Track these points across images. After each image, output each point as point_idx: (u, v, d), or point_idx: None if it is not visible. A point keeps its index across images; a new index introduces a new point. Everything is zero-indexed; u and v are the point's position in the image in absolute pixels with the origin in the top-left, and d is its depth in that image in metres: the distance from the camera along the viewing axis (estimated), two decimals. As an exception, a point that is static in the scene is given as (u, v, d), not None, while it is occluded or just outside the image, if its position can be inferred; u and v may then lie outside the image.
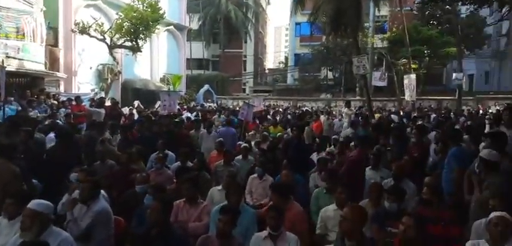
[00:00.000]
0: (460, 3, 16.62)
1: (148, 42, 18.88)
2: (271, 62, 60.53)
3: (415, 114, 14.57)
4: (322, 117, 13.42)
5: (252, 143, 8.31)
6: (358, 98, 24.57)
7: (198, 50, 35.70)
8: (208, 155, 7.50)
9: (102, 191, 4.32)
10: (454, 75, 21.10)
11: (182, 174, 5.05)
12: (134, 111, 13.77)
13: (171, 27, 25.15)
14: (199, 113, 13.76)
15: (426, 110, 18.65)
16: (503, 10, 10.94)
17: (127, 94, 19.85)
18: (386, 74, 23.79)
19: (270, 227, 3.45)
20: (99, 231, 3.77)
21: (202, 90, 24.99)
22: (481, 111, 16.07)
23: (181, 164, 6.06)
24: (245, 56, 41.53)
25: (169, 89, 20.88)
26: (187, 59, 29.96)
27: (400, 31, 24.59)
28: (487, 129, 7.57)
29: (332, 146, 9.15)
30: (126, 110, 13.92)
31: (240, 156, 7.10)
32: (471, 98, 22.79)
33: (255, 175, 5.78)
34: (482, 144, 5.59)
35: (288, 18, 39.31)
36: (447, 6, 25.19)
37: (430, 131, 8.64)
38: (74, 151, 5.85)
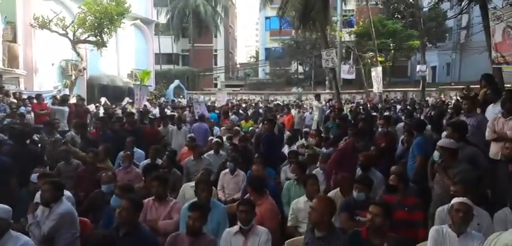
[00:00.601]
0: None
1: (114, 37, 18.21)
2: (242, 56, 60.41)
3: (382, 106, 15.00)
4: (293, 111, 13.57)
5: (224, 137, 8.27)
6: (327, 91, 25.02)
7: (167, 44, 34.97)
8: (179, 151, 7.38)
9: (67, 192, 4.17)
10: (417, 67, 21.93)
11: (151, 172, 4.93)
12: (101, 108, 13.32)
13: (138, 21, 24.45)
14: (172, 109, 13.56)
15: (392, 101, 19.28)
16: (463, 4, 11.46)
17: (93, 91, 19.17)
18: (354, 67, 24.39)
19: (241, 222, 3.44)
20: (63, 233, 3.64)
21: (172, 86, 24.55)
22: (449, 101, 16.73)
23: (150, 162, 5.92)
24: (216, 51, 41.10)
25: (138, 83, 20.34)
26: (156, 54, 29.30)
27: (366, 25, 25.26)
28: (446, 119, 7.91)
29: (303, 139, 9.29)
30: (92, 108, 13.46)
31: (211, 151, 7.04)
32: (434, 89, 23.81)
33: (227, 170, 5.75)
34: (444, 133, 5.83)
35: (258, 13, 39.29)
36: (410, 0, 26.14)
37: (398, 121, 8.94)
38: (29, 152, 5.54)
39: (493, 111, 5.31)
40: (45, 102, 10.80)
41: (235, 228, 3.51)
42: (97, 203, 4.48)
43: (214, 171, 5.98)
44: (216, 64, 40.79)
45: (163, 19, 35.27)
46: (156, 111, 13.02)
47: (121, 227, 3.26)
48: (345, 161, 5.16)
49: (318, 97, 14.60)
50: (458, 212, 3.01)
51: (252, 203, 3.62)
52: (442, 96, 20.61)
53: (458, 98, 13.43)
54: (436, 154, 4.08)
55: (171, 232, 3.57)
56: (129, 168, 5.68)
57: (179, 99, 20.88)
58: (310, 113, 13.30)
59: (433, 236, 3.11)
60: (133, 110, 11.75)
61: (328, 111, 12.75)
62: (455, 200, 3.11)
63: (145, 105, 13.14)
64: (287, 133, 9.40)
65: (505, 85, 7.60)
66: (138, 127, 8.30)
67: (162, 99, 21.05)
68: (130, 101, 15.00)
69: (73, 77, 16.54)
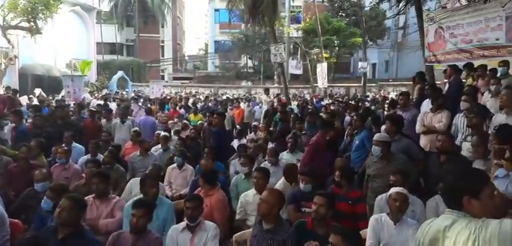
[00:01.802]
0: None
1: (51, 23, 16.82)
2: (191, 48, 59.16)
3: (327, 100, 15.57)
4: (243, 105, 13.61)
5: (172, 131, 8.06)
6: (276, 85, 25.44)
7: (110, 33, 33.07)
8: (123, 146, 7.04)
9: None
10: (359, 64, 23.13)
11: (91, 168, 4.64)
12: (35, 100, 12.29)
13: (77, 7, 22.84)
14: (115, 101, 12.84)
15: (336, 96, 20.11)
16: (400, 5, 12.23)
17: (26, 82, 17.66)
18: (301, 63, 25.02)
19: (188, 218, 3.36)
20: (-10, 237, 3.28)
21: (115, 77, 23.30)
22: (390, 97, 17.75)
23: (90, 157, 5.58)
24: (163, 41, 39.75)
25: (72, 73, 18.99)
26: (98, 43, 27.62)
27: (313, 22, 26.01)
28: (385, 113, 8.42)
29: (252, 133, 9.35)
30: (25, 99, 12.38)
31: (159, 146, 6.82)
32: (374, 84, 25.27)
33: (174, 165, 5.61)
34: (383, 127, 6.19)
35: (207, 4, 38.72)
36: (353, -1, 27.40)
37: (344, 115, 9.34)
38: None
39: (427, 106, 5.75)
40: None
41: (182, 224, 3.43)
42: (29, 202, 4.11)
43: (162, 167, 5.80)
44: (163, 55, 39.50)
45: (106, 6, 33.28)
46: (97, 102, 12.30)
47: (61, 229, 2.98)
48: (317, 155, 5.26)
49: (267, 91, 14.78)
50: (396, 201, 3.21)
51: (200, 199, 3.56)
52: (382, 91, 21.94)
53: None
54: (375, 148, 4.30)
55: (113, 231, 3.39)
56: (67, 165, 5.30)
57: (123, 92, 19.91)
58: (260, 107, 13.43)
59: (372, 225, 3.30)
60: (71, 102, 10.99)
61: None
62: (393, 190, 3.32)
63: (84, 98, 12.36)
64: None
65: (436, 82, 8.27)
66: (74, 120, 7.78)
67: (105, 91, 19.94)
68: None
69: (3, 66, 15.08)
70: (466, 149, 4.31)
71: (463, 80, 7.15)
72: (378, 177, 4.23)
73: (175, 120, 9.63)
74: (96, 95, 16.36)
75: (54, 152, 5.85)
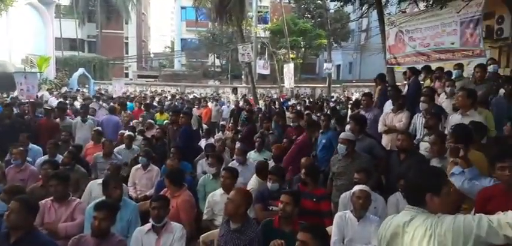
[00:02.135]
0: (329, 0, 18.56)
1: (5, 16, 15.83)
2: (156, 45, 57.81)
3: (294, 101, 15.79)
4: (210, 104, 13.49)
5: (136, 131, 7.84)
6: (244, 85, 25.47)
7: (71, 28, 31.58)
8: (84, 146, 6.76)
9: None
10: (324, 65, 23.68)
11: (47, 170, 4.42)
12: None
13: (34, 0, 21.63)
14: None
15: (303, 96, 20.46)
16: (363, 8, 12.65)
17: (-24, 78, 16.44)
18: (268, 63, 25.23)
19: (154, 219, 3.29)
20: None
21: (76, 74, 22.26)
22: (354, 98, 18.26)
23: (48, 158, 5.31)
24: (127, 38, 38.57)
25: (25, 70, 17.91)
26: (57, 39, 26.31)
27: (280, 22, 26.30)
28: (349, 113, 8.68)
29: (220, 132, 9.30)
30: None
31: (122, 146, 6.61)
32: (338, 85, 25.96)
33: (139, 165, 5.47)
34: (348, 126, 6.37)
35: (173, 2, 38.02)
36: (319, 1, 28.00)
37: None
38: None
39: (390, 107, 5.98)
40: None
41: (148, 226, 3.34)
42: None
43: (126, 167, 5.64)
44: (127, 53, 38.34)
45: (66, 0, 31.78)
46: (52, 100, 11.68)
47: (12, 233, 2.83)
48: (302, 154, 5.28)
49: (235, 91, 14.76)
50: (359, 199, 3.32)
51: (166, 199, 3.49)
52: (346, 92, 22.59)
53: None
54: (340, 147, 4.41)
55: (73, 235, 3.25)
56: (23, 166, 5.01)
57: (84, 89, 19.11)
58: (228, 106, 13.38)
59: (336, 221, 3.39)
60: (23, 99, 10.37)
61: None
62: (356, 187, 3.43)
63: (42, 96, 11.73)
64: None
65: (397, 83, 8.62)
66: (26, 120, 7.36)
67: (64, 88, 19.03)
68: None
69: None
70: (424, 148, 4.53)
71: (421, 82, 7.50)
72: (342, 175, 4.35)
73: (140, 119, 9.38)
74: (55, 93, 15.55)
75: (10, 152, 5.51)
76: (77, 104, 10.80)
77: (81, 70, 22.58)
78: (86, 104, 10.21)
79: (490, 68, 6.21)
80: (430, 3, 9.31)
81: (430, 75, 7.34)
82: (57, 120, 7.67)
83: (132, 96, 16.05)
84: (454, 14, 7.53)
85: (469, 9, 7.27)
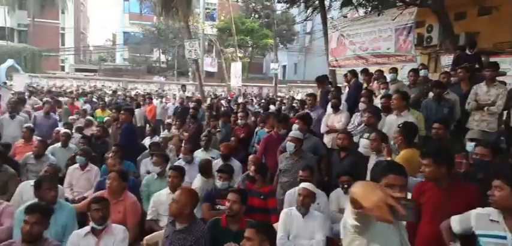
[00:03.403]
0: (276, 1, 18.94)
1: None
2: (97, 38, 54.60)
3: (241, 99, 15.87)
4: (155, 101, 13.08)
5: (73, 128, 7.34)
6: (191, 82, 25.03)
7: (-1, 16, 28.68)
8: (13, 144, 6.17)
9: None
10: (271, 65, 24.13)
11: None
12: None
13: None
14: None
15: (250, 95, 20.66)
16: (308, 11, 13.09)
17: None
18: (216, 60, 25.08)
19: (94, 221, 3.10)
20: None
21: (4, 66, 20.20)
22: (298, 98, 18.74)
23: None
24: (63, 29, 35.88)
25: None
26: (-19, 26, 23.76)
27: (227, 20, 26.28)
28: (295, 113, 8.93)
29: (165, 130, 9.03)
30: None
31: (58, 144, 6.14)
32: (284, 85, 26.62)
33: (77, 165, 5.13)
34: (295, 125, 6.55)
35: (116, -7, 36.21)
36: (266, 2, 28.46)
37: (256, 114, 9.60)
38: None
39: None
40: None
41: (86, 229, 3.15)
42: None
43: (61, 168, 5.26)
44: (63, 44, 35.68)
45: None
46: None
47: None
48: (270, 150, 5.24)
49: (183, 88, 14.49)
50: (304, 196, 3.44)
51: (107, 200, 3.31)
52: (291, 92, 23.23)
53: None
54: (289, 145, 4.52)
55: (1, 241, 2.96)
56: None
57: (12, 83, 17.44)
58: (173, 104, 13.05)
59: (282, 218, 3.48)
60: None
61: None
62: (301, 185, 3.54)
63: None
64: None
65: (338, 85, 9.05)
66: None
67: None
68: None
69: None
70: (362, 145, 4.80)
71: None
72: (288, 173, 4.47)
73: (76, 116, 8.81)
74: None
75: None
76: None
77: (10, 61, 20.53)
78: (18, 98, 9.32)
79: (421, 73, 6.75)
80: (369, 9, 9.91)
81: (368, 77, 7.78)
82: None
83: (69, 90, 15.02)
84: (390, 21, 8.11)
85: (403, 18, 7.87)
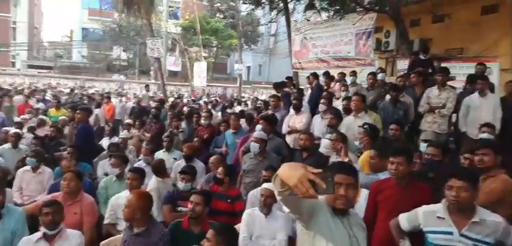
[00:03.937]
0: (241, 1, 18.97)
1: None
2: (52, 34, 51.78)
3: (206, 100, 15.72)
4: (114, 100, 12.62)
5: (25, 128, 6.91)
6: (153, 81, 24.42)
7: None
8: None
9: None
10: (235, 66, 24.16)
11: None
12: None
13: None
14: None
15: (214, 95, 20.52)
16: (272, 13, 13.23)
17: None
18: (180, 60, 24.67)
19: (46, 225, 2.92)
20: None
21: None
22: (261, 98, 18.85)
23: None
24: (14, 23, 33.69)
25: None
26: None
27: (192, 19, 25.93)
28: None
29: (125, 131, 8.73)
30: None
31: (7, 145, 5.75)
32: (249, 86, 26.72)
33: (28, 167, 4.82)
34: (259, 126, 6.58)
35: (73, -14, 34.56)
36: (231, 2, 28.42)
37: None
38: None
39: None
40: None
41: (38, 234, 2.96)
42: None
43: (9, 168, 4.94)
44: (14, 39, 33.50)
45: None
46: None
47: None
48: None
49: (147, 87, 14.15)
50: (266, 196, 3.45)
51: (60, 204, 3.14)
52: (255, 93, 23.36)
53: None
54: (253, 145, 4.53)
55: None
56: None
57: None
58: (133, 103, 12.66)
59: (245, 219, 3.47)
60: None
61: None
62: (263, 186, 3.55)
63: None
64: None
65: (300, 87, 9.20)
66: None
67: None
68: None
69: None
70: (324, 145, 4.92)
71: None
72: (251, 173, 4.48)
73: (27, 115, 8.30)
74: None
75: None
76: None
77: (-49, 55, 19.01)
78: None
79: (379, 76, 7.03)
80: (331, 14, 10.18)
81: (329, 80, 7.98)
82: None
83: (20, 88, 14.14)
84: (351, 26, 8.39)
85: (363, 23, 8.17)
